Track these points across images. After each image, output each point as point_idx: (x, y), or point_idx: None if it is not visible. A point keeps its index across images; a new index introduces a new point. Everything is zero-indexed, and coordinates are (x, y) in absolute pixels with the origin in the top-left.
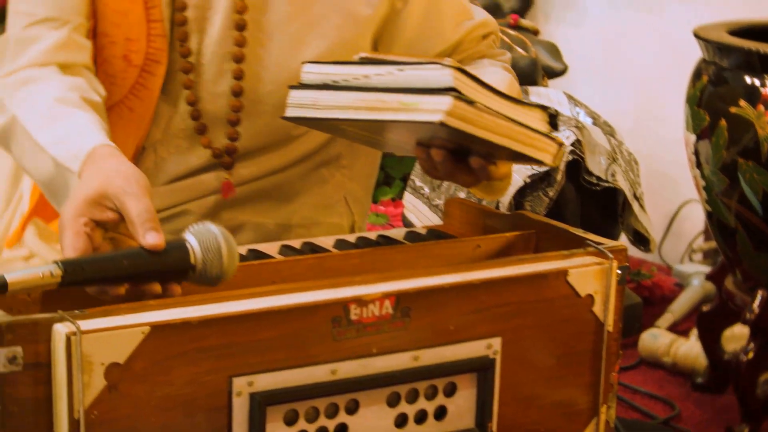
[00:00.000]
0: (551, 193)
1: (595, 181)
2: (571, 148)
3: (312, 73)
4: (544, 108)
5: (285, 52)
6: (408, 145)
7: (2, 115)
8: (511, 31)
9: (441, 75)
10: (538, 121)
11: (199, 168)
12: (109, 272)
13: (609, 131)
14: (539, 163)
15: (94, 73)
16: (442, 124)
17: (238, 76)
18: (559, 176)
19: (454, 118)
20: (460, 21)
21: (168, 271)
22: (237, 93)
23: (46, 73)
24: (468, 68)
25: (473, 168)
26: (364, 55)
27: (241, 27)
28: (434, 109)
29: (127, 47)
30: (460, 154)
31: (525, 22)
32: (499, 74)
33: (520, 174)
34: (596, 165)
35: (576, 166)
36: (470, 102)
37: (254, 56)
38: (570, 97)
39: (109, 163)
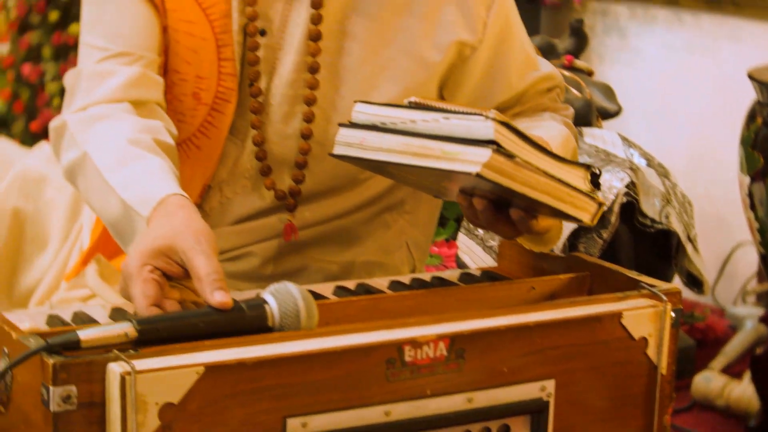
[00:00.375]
0: (605, 235)
1: (649, 223)
2: (626, 189)
3: (362, 112)
4: (587, 167)
5: (356, 96)
6: (451, 191)
7: (73, 149)
8: (566, 72)
9: (483, 127)
10: (580, 179)
11: (264, 210)
12: (184, 332)
13: (663, 173)
14: (578, 221)
15: (165, 110)
16: (478, 176)
17: (308, 119)
18: (614, 218)
19: (492, 170)
20: (526, 72)
21: (245, 332)
22: (306, 136)
23: (119, 110)
24: (514, 122)
25: (513, 220)
26: (414, 99)
27: (314, 70)
28: (473, 161)
29: (197, 85)
30: (502, 206)
31: (579, 63)
32: (555, 129)
33: None
34: (650, 207)
35: (630, 208)
36: (509, 156)
37: (326, 99)
38: (624, 139)
39: (180, 216)
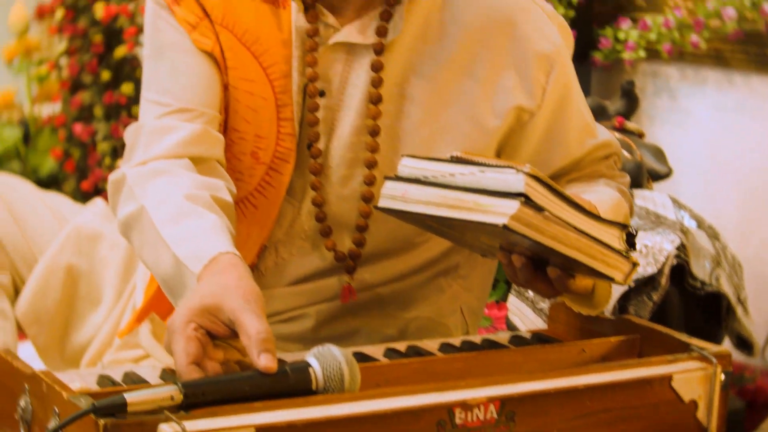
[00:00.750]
0: (655, 297)
1: (699, 285)
2: (676, 252)
3: (408, 166)
4: (623, 226)
5: None
6: (492, 248)
7: (130, 203)
8: (617, 134)
9: (514, 180)
10: (615, 238)
11: (321, 271)
12: (229, 395)
13: (713, 234)
14: (610, 279)
15: (225, 168)
16: (505, 227)
17: (370, 182)
18: (664, 280)
19: (520, 223)
20: (584, 138)
21: (288, 394)
22: (367, 198)
23: (178, 166)
24: (567, 186)
25: (551, 278)
26: (455, 154)
27: (374, 132)
28: (501, 212)
29: (255, 144)
30: (540, 264)
31: (630, 125)
32: (606, 193)
33: None
34: (700, 269)
35: (680, 270)
36: (539, 209)
37: (386, 162)
38: (674, 201)
39: (230, 276)
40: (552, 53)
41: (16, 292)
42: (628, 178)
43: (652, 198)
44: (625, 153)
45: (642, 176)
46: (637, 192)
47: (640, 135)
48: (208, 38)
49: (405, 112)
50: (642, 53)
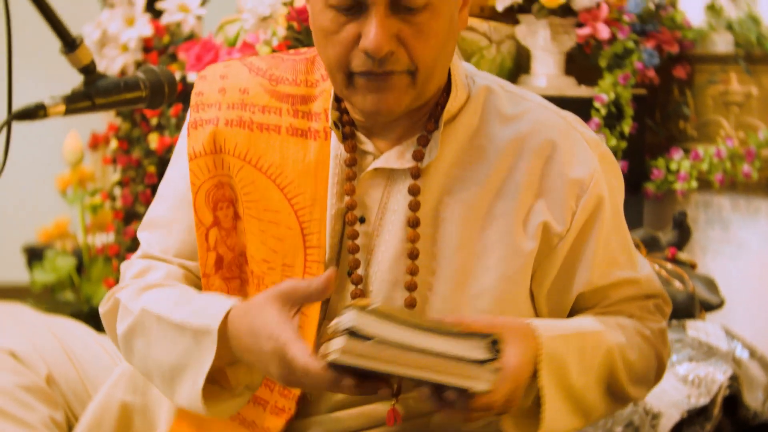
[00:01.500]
0: (708, 428)
1: (751, 415)
2: (729, 382)
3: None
4: (483, 336)
5: (454, 282)
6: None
7: (128, 317)
8: (669, 265)
9: (346, 317)
10: (480, 349)
11: (364, 396)
12: None
13: (766, 364)
14: (467, 390)
15: None
16: (331, 365)
17: (411, 304)
18: (716, 411)
19: (350, 355)
20: (608, 269)
21: None
22: None
23: (164, 282)
24: (388, 306)
25: (451, 402)
26: (350, 302)
27: (414, 256)
28: (335, 350)
29: (284, 273)
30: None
31: (683, 255)
32: (581, 321)
33: (677, 409)
34: (753, 399)
35: (733, 401)
36: (367, 338)
37: (426, 285)
38: (727, 331)
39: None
40: (585, 179)
41: (70, 429)
42: (663, 325)
43: (705, 328)
44: (678, 284)
45: (694, 307)
46: (689, 323)
47: (693, 266)
48: (198, 176)
49: (441, 235)
50: (694, 183)
